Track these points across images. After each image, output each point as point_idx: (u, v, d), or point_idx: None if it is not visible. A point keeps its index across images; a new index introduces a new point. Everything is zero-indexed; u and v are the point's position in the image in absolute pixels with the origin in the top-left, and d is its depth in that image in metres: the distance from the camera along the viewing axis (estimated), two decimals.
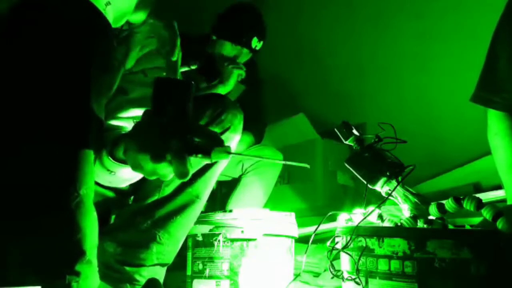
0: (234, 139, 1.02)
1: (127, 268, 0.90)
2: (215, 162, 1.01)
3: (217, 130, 1.01)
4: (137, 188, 0.96)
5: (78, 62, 0.57)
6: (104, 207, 0.95)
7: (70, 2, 0.58)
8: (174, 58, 0.87)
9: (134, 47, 0.89)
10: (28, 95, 0.54)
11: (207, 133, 0.62)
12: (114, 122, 0.82)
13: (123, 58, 0.88)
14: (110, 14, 0.67)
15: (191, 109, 0.62)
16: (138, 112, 0.84)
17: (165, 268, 0.97)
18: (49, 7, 0.56)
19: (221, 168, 1.02)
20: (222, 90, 1.72)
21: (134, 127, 0.64)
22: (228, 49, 1.76)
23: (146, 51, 0.91)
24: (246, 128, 1.78)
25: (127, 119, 0.84)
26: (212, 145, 0.59)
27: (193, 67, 1.39)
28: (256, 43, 1.78)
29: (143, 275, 0.91)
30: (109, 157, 0.71)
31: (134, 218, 0.92)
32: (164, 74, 0.94)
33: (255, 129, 1.87)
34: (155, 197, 0.93)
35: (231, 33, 1.77)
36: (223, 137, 1.01)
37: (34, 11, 0.55)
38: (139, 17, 0.84)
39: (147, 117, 0.60)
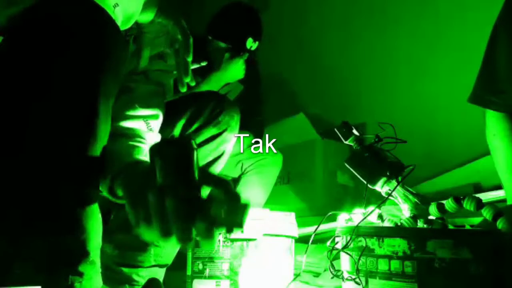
0: (232, 138, 1.02)
1: (125, 270, 0.90)
2: (215, 161, 1.01)
3: (214, 131, 1.01)
4: None
5: (87, 65, 0.56)
6: (105, 207, 0.95)
7: (78, 4, 0.57)
8: (189, 58, 0.86)
9: (145, 47, 0.88)
10: (33, 96, 0.54)
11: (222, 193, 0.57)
12: (125, 124, 0.79)
13: (133, 58, 0.86)
14: (119, 16, 0.66)
15: (196, 167, 0.56)
16: (146, 112, 0.83)
17: (165, 268, 0.96)
18: (58, 9, 0.56)
19: (220, 168, 1.02)
20: (217, 76, 1.70)
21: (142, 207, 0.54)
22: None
23: (154, 52, 0.90)
24: (245, 128, 1.78)
25: (137, 118, 0.81)
26: (232, 222, 0.55)
27: (203, 64, 1.38)
28: (251, 44, 1.76)
29: (142, 275, 0.91)
30: (109, 195, 0.65)
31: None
32: (165, 75, 0.93)
33: (255, 128, 1.87)
34: None
35: (225, 33, 1.76)
36: (220, 138, 1.01)
37: (38, 11, 0.55)
38: (147, 16, 0.83)
39: (156, 196, 0.52)
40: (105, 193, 0.66)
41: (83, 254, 0.55)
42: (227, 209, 0.55)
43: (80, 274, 0.54)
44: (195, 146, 0.56)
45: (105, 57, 0.59)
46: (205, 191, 0.57)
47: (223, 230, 0.55)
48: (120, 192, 0.62)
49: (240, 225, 0.55)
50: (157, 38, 0.90)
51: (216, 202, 0.55)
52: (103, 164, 0.60)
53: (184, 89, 0.87)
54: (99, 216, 0.59)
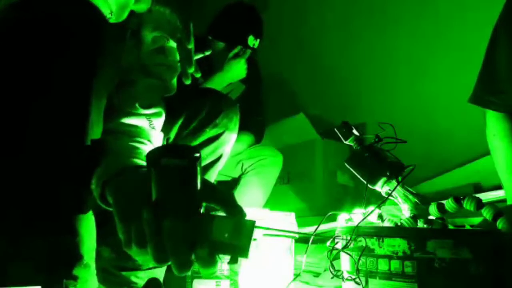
0: (230, 140, 1.01)
1: (123, 273, 0.90)
2: (213, 164, 1.00)
3: (211, 133, 0.99)
4: None
5: (84, 65, 0.56)
6: (99, 209, 0.94)
7: (75, 4, 0.56)
8: (191, 46, 0.81)
9: (145, 40, 0.84)
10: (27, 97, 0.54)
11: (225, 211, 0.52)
12: (127, 121, 0.76)
13: (132, 51, 0.84)
14: (112, 5, 0.64)
15: (199, 180, 0.49)
16: (148, 110, 0.81)
17: (164, 267, 0.96)
18: (44, 4, 0.55)
19: (218, 170, 1.01)
20: (219, 76, 1.70)
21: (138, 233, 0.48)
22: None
23: (156, 46, 0.87)
24: (246, 128, 1.78)
25: (140, 115, 0.79)
26: (236, 248, 0.48)
27: (206, 53, 1.35)
28: (252, 42, 1.76)
29: (140, 276, 0.91)
30: (100, 201, 0.58)
31: None
32: (167, 71, 0.91)
33: (256, 128, 1.87)
34: None
35: (226, 33, 1.75)
36: (218, 140, 0.99)
37: (28, 9, 0.55)
38: (144, 5, 0.78)
39: (151, 214, 0.46)
40: (96, 196, 0.59)
41: (77, 257, 0.54)
42: (231, 230, 0.48)
43: (75, 278, 0.54)
44: (198, 155, 0.49)
45: (100, 56, 0.58)
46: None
47: (226, 257, 0.48)
48: (111, 200, 0.56)
49: (245, 251, 0.47)
50: (157, 29, 0.87)
51: (218, 221, 0.48)
52: (95, 165, 0.58)
53: (188, 81, 0.84)
54: (93, 218, 0.59)
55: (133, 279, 0.90)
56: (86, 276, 0.55)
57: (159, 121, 0.83)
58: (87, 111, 0.56)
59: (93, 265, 0.58)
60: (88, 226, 0.57)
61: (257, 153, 1.81)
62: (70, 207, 0.55)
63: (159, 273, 0.95)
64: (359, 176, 0.88)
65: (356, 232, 0.77)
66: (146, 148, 0.70)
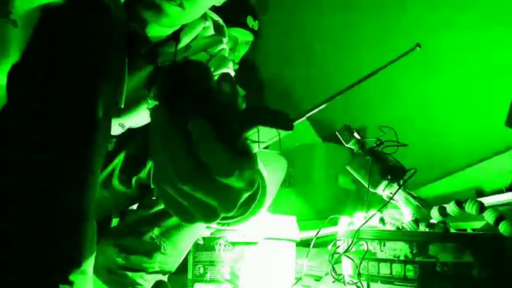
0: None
1: (129, 274, 0.90)
2: None
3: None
4: (145, 192, 0.94)
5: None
6: (104, 208, 0.93)
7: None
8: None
9: None
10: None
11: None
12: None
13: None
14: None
15: None
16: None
17: (167, 275, 0.96)
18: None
19: None
20: None
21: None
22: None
23: None
24: None
25: None
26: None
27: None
28: (252, 23, 1.74)
29: (146, 278, 0.91)
30: None
31: (139, 226, 0.91)
32: None
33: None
34: (162, 206, 0.91)
35: (225, 16, 1.75)
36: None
37: None
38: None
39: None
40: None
41: (74, 262, 0.54)
42: None
43: (71, 283, 0.53)
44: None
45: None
46: None
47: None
48: None
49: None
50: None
51: None
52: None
53: None
54: (94, 223, 0.58)
55: (140, 280, 0.90)
56: (81, 283, 0.54)
57: None
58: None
59: (90, 271, 0.57)
60: (89, 231, 0.57)
61: (260, 159, 1.80)
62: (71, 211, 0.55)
63: (163, 277, 0.94)
64: (360, 180, 0.88)
65: (358, 236, 0.77)
66: None
